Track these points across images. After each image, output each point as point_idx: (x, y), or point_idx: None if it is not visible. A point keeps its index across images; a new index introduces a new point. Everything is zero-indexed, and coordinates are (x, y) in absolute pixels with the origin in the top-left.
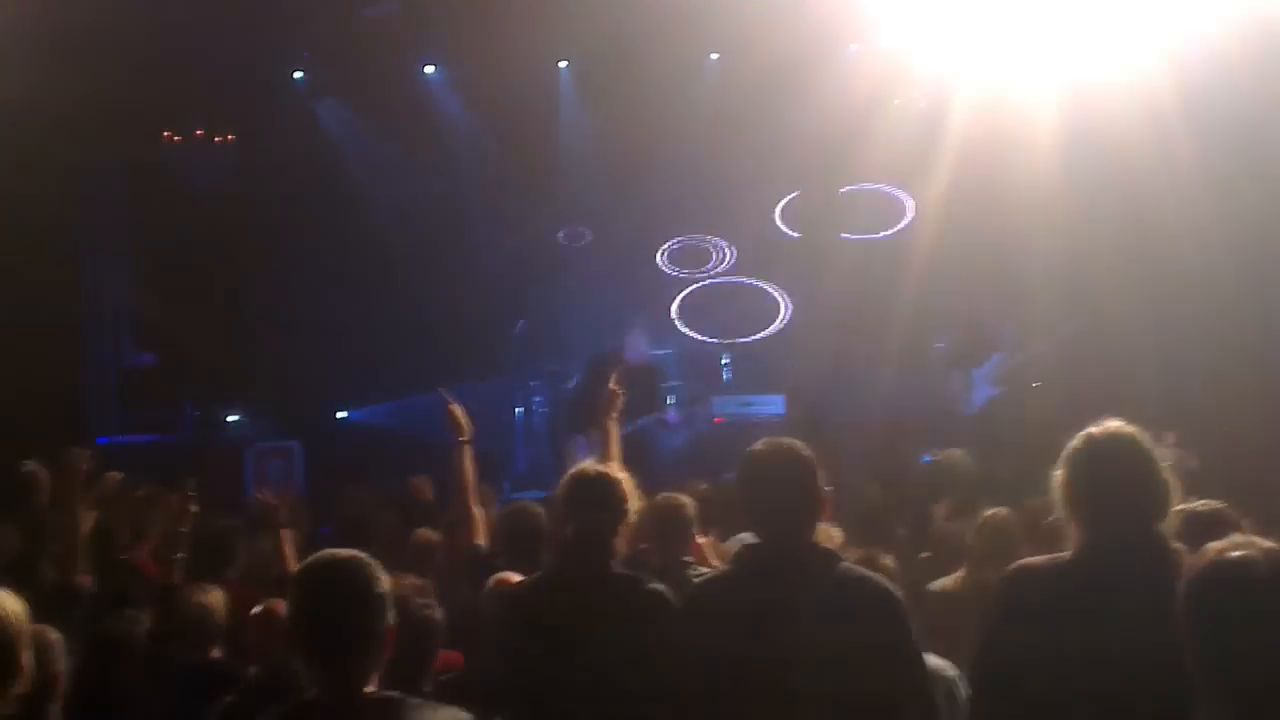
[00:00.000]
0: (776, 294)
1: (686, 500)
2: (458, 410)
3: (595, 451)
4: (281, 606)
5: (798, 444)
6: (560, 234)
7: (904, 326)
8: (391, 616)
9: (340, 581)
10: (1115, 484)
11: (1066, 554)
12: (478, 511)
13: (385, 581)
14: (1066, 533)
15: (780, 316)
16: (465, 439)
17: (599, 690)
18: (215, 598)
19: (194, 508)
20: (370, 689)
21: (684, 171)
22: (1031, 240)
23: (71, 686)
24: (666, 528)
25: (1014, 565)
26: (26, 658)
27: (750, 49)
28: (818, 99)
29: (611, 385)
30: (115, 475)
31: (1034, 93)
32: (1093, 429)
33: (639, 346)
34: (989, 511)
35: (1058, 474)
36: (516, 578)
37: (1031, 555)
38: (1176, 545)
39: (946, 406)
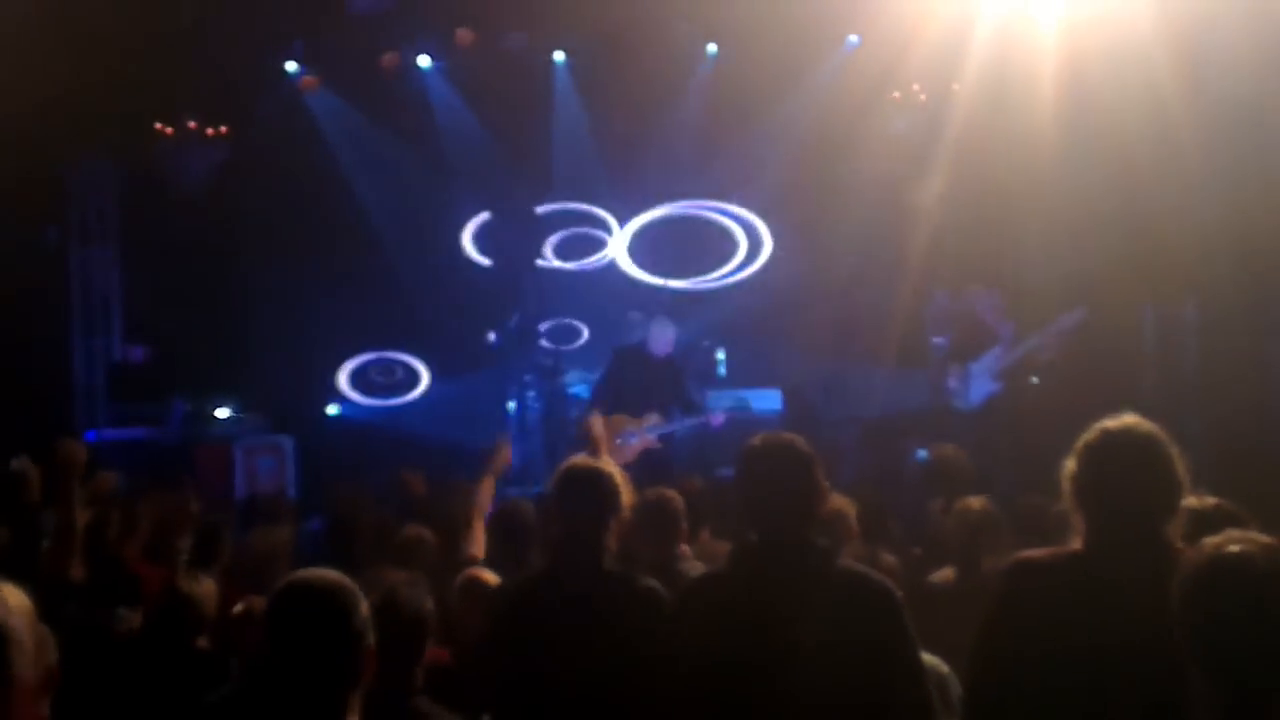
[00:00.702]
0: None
1: (674, 495)
2: (506, 451)
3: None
4: (262, 603)
5: (796, 439)
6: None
7: (902, 322)
8: (370, 639)
9: (314, 616)
10: (1125, 480)
11: (1069, 548)
12: (479, 524)
13: (363, 606)
14: (1072, 526)
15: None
16: (495, 475)
17: (590, 689)
18: (207, 588)
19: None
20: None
21: (680, 162)
22: (1030, 234)
23: (61, 681)
24: (657, 523)
25: (1015, 558)
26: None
27: (749, 40)
28: (816, 91)
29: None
30: (110, 475)
31: (1032, 86)
32: (1109, 423)
33: (665, 338)
34: (961, 502)
35: (1068, 466)
36: (489, 574)
37: (1018, 546)
38: (1180, 545)
39: (945, 402)
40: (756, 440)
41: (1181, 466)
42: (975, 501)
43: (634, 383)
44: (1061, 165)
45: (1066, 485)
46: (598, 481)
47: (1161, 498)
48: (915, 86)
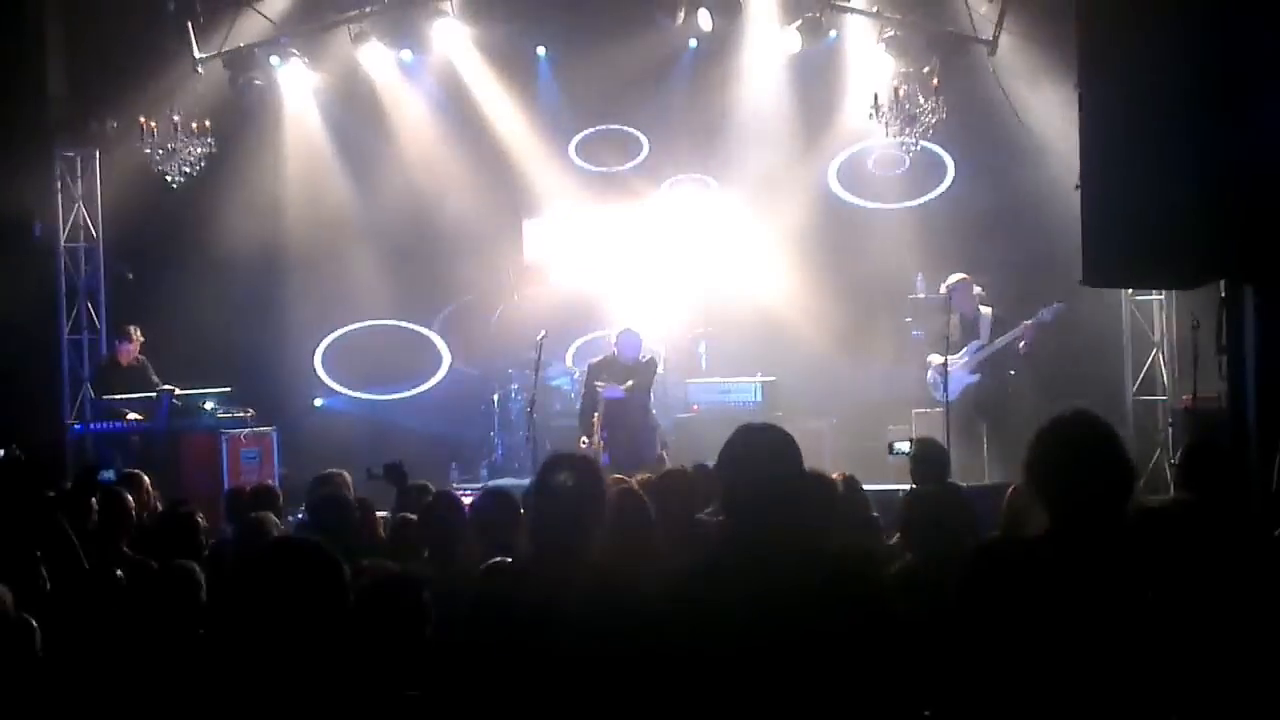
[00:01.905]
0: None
1: (634, 483)
2: None
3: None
4: None
5: (778, 426)
6: None
7: (882, 312)
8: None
9: (296, 570)
10: (1079, 464)
11: (1034, 534)
12: None
13: (344, 569)
14: (1035, 514)
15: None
16: None
17: (576, 679)
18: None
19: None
20: None
21: (662, 153)
22: (1010, 224)
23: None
24: (626, 511)
25: (981, 543)
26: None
27: (729, 35)
28: (798, 84)
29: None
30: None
31: None
32: (1062, 413)
33: (632, 344)
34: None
35: (1026, 456)
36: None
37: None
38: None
39: (924, 393)
40: (741, 428)
41: (1128, 452)
42: (935, 487)
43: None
44: (1038, 152)
45: (1025, 474)
46: (582, 472)
47: (1115, 482)
48: (894, 81)
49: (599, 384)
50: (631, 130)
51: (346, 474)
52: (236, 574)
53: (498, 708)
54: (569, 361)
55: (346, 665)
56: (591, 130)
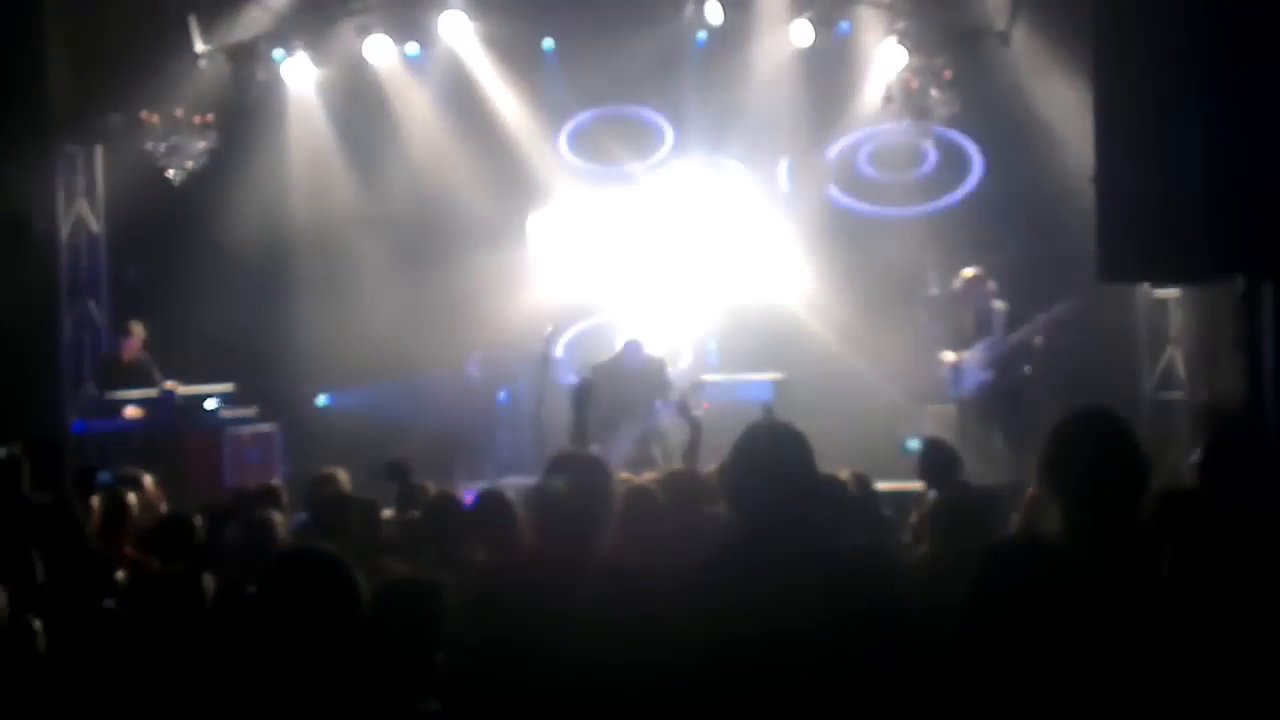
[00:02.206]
0: None
1: (644, 481)
2: None
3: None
4: None
5: (790, 424)
6: None
7: (895, 309)
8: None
9: (309, 584)
10: (1092, 460)
11: (1049, 532)
12: None
13: (357, 581)
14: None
15: None
16: None
17: (586, 678)
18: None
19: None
20: None
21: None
22: (1025, 219)
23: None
24: (635, 508)
25: (993, 542)
26: None
27: (739, 28)
28: (809, 77)
29: None
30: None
31: None
32: (1076, 408)
33: (636, 354)
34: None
35: (1040, 452)
36: None
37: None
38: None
39: (937, 391)
40: (752, 425)
41: (1144, 447)
42: (946, 487)
43: (610, 396)
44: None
45: (1039, 470)
46: (587, 470)
47: (1130, 478)
48: (906, 75)
49: (659, 402)
50: (650, 120)
51: (343, 472)
52: (243, 583)
53: (508, 710)
54: (559, 351)
55: (360, 677)
56: (597, 114)
